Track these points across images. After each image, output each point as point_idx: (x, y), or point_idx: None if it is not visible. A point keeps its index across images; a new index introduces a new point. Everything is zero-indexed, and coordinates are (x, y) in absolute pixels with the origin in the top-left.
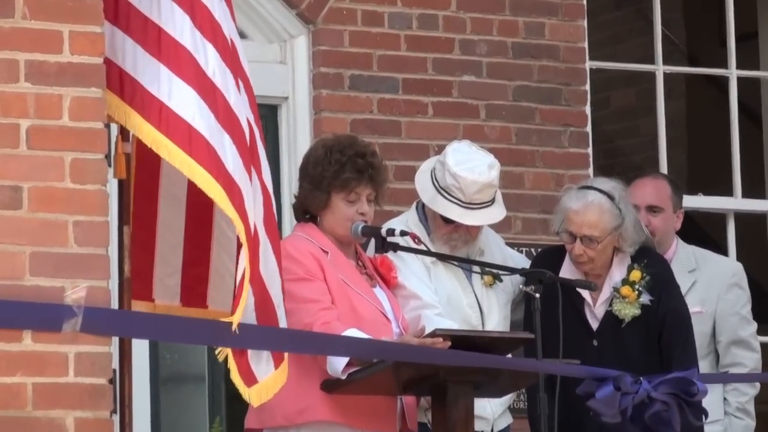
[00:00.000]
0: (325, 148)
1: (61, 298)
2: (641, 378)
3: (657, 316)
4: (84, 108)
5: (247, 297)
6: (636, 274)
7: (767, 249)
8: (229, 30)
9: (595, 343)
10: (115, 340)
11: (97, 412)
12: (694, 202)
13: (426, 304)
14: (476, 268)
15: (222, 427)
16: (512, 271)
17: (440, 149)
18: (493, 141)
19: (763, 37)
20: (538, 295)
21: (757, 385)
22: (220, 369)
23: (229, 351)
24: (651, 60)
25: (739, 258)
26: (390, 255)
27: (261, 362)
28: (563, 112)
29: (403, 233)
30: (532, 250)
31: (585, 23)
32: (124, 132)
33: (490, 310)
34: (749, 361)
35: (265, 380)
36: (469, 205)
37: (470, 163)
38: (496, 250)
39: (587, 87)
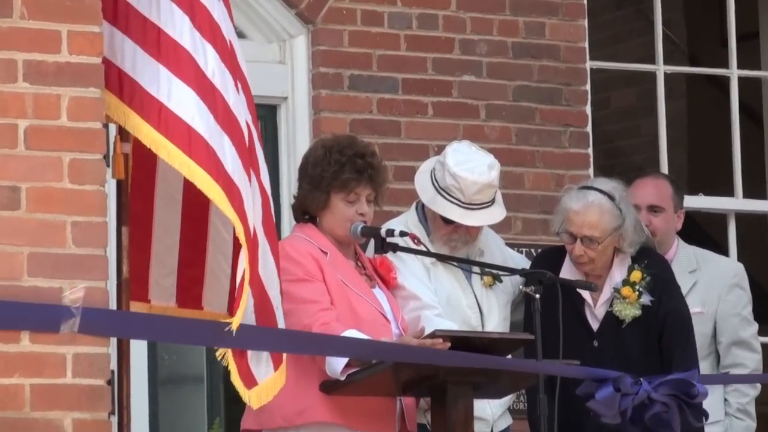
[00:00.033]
0: (324, 149)
1: (59, 298)
2: (641, 379)
3: (657, 316)
4: (82, 108)
5: (247, 299)
6: (636, 275)
7: None
8: (227, 30)
9: (595, 343)
10: (114, 340)
11: (95, 413)
12: (694, 202)
13: (425, 305)
14: (476, 269)
15: (221, 429)
16: (512, 271)
17: (440, 149)
18: (493, 141)
19: (764, 36)
20: (538, 296)
21: (758, 386)
22: (219, 370)
23: (229, 353)
24: (652, 60)
25: (739, 258)
26: (389, 255)
27: (261, 364)
28: (563, 112)
29: (402, 234)
30: (532, 250)
31: (585, 23)
32: (122, 132)
33: (490, 310)
34: (750, 362)
35: (264, 382)
36: (469, 206)
37: (470, 164)
38: (496, 250)
39: (587, 87)
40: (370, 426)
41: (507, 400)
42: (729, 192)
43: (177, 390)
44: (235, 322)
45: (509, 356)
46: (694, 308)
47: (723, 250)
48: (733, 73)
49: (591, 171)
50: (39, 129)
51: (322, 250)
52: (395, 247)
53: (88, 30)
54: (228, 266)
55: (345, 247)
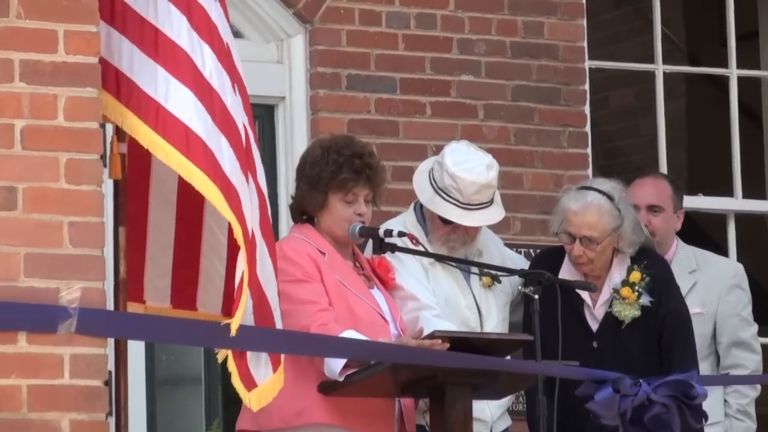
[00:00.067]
0: (322, 149)
1: (56, 299)
2: (640, 380)
3: (657, 317)
4: (79, 108)
5: (246, 300)
6: (636, 275)
7: None
8: (224, 31)
9: (594, 344)
10: (111, 341)
11: (92, 414)
12: (694, 202)
13: (424, 306)
14: (475, 270)
15: (219, 430)
16: (511, 272)
17: (438, 149)
18: (492, 141)
19: (763, 36)
20: (537, 297)
21: (758, 387)
22: (217, 371)
23: (230, 355)
24: (651, 59)
25: (739, 259)
26: (388, 256)
27: (260, 366)
28: (562, 112)
29: (400, 234)
30: (531, 251)
31: (584, 22)
32: (119, 132)
33: (489, 311)
34: (750, 362)
35: (264, 384)
36: (468, 206)
37: (469, 164)
38: (494, 251)
39: (586, 87)
40: (368, 427)
41: (506, 401)
42: (728, 192)
43: (175, 391)
44: (235, 323)
45: (508, 357)
46: (693, 309)
47: (722, 251)
48: (733, 72)
49: (590, 171)
50: (36, 129)
51: (320, 251)
52: (393, 248)
53: (84, 29)
54: (222, 267)
55: (343, 248)
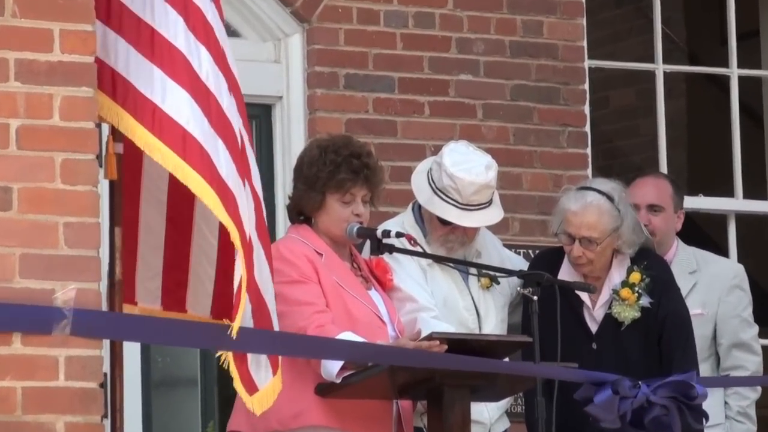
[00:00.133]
0: (319, 149)
1: (51, 300)
2: (640, 382)
3: (657, 318)
4: (75, 107)
5: (245, 304)
6: (636, 276)
7: None
8: (219, 32)
9: (594, 346)
10: (106, 343)
11: (87, 416)
12: (694, 203)
13: (422, 307)
14: (473, 271)
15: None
16: (510, 273)
17: (437, 149)
18: (491, 141)
19: (764, 35)
20: (535, 298)
21: (759, 388)
22: (213, 373)
23: (231, 359)
24: (651, 59)
25: (740, 260)
26: (386, 257)
27: (260, 369)
28: (562, 112)
29: (398, 235)
30: (530, 251)
31: (584, 21)
32: (115, 132)
33: (487, 313)
34: (750, 364)
35: (265, 388)
36: (466, 207)
37: (467, 164)
38: (493, 251)
39: (586, 86)
40: (366, 429)
41: (504, 403)
42: (729, 192)
43: (171, 393)
44: (235, 327)
45: (507, 359)
46: (694, 310)
47: (723, 251)
48: (734, 72)
49: (589, 171)
50: (31, 129)
51: (317, 252)
52: (391, 249)
53: (80, 29)
54: (212, 269)
55: (340, 248)
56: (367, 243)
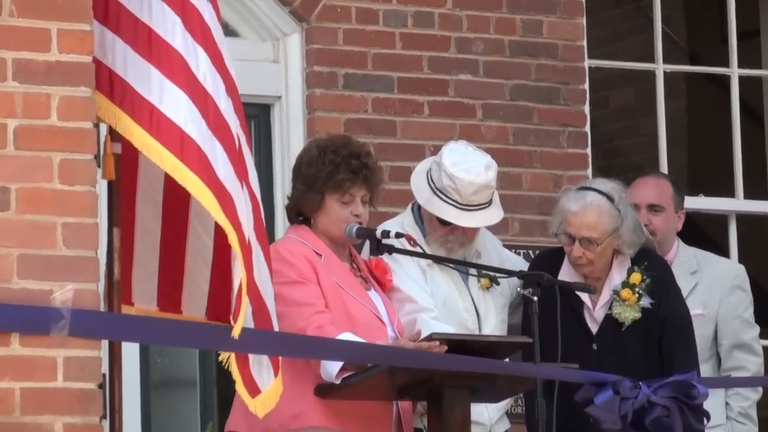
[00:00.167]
0: (318, 149)
1: (49, 301)
2: (640, 382)
3: (657, 319)
4: (73, 107)
5: (246, 306)
6: (636, 277)
7: None
8: (216, 33)
9: (594, 346)
10: (105, 343)
11: (86, 417)
12: (695, 203)
13: (422, 308)
14: (473, 271)
15: None
16: (510, 273)
17: (436, 149)
18: (490, 141)
19: (765, 35)
20: (536, 298)
21: (760, 389)
22: (212, 373)
23: (233, 362)
24: (651, 58)
25: (740, 260)
26: (385, 257)
27: (262, 371)
28: (561, 112)
29: (398, 235)
30: (530, 252)
31: (584, 21)
32: (113, 132)
33: (487, 313)
34: (751, 364)
35: (267, 390)
36: (466, 207)
37: (467, 164)
38: (493, 252)
39: (586, 86)
40: (366, 430)
41: (505, 404)
42: (729, 193)
43: (170, 393)
44: (236, 330)
45: (507, 360)
46: (694, 310)
47: (724, 252)
48: (734, 71)
49: (589, 171)
50: (29, 129)
51: (316, 252)
52: (391, 249)
53: (78, 28)
54: (207, 270)
55: (340, 249)
56: (367, 243)
